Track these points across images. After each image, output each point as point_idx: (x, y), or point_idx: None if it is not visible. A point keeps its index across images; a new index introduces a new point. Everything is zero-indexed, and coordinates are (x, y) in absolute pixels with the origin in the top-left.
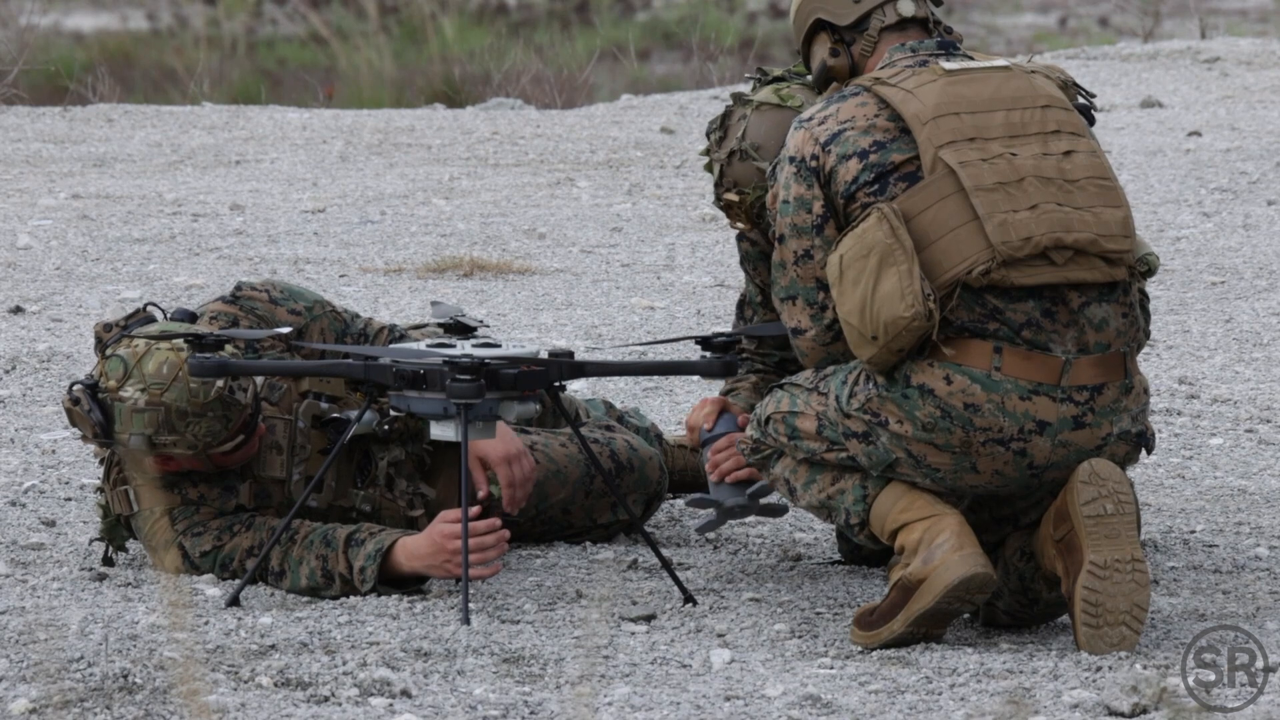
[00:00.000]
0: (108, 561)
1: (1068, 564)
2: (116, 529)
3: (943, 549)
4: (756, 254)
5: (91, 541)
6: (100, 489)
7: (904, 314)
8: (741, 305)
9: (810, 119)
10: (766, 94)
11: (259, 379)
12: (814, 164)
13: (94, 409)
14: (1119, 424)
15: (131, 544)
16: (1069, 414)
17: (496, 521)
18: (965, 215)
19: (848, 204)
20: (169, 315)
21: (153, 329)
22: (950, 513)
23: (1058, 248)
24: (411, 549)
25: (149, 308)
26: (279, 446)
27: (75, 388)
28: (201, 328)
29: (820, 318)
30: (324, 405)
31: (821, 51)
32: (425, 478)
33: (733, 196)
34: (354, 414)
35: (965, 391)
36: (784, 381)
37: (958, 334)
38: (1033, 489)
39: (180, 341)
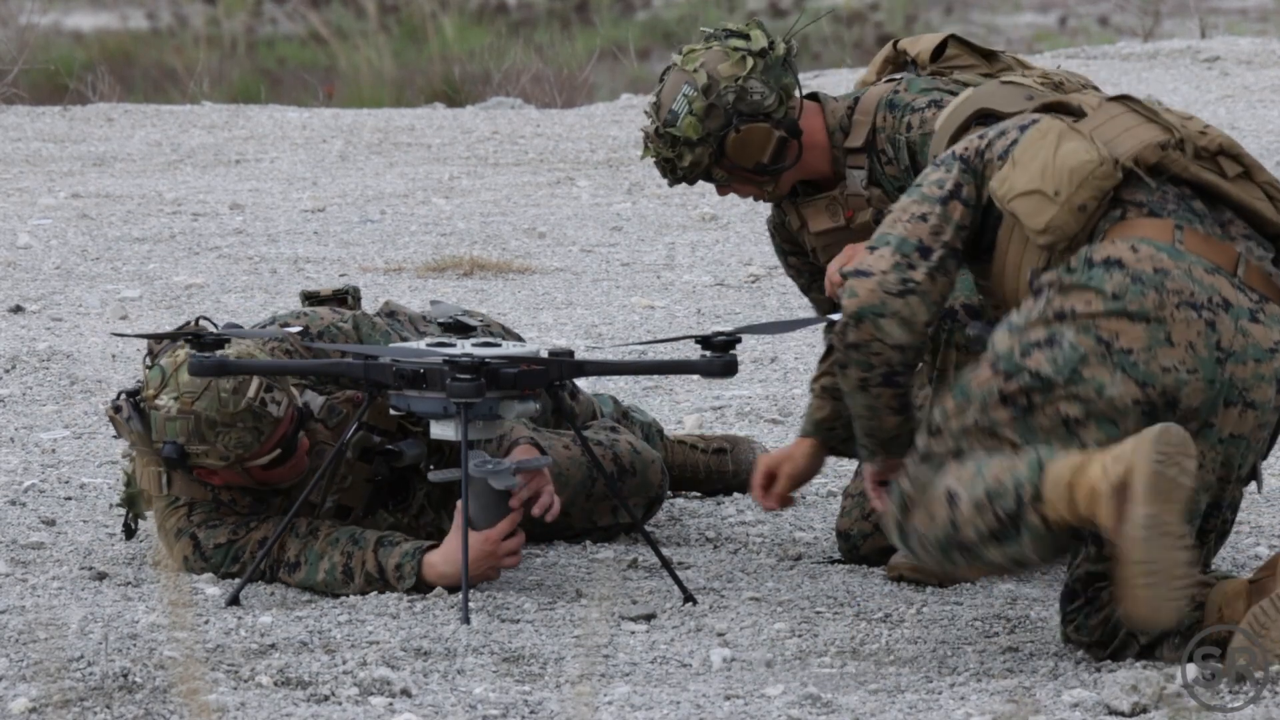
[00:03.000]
0: (128, 530)
1: (1251, 601)
2: (137, 499)
3: (1123, 444)
4: (808, 277)
5: (112, 506)
6: (128, 455)
7: (1089, 158)
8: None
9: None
10: (679, 58)
11: (318, 399)
12: (976, 161)
13: (133, 417)
14: None
15: (133, 544)
16: (1245, 304)
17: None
18: (1140, 119)
19: (988, 165)
20: (220, 328)
21: None
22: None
23: (1230, 154)
24: (448, 554)
25: (201, 320)
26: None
27: (120, 396)
28: (282, 331)
29: (901, 267)
30: (376, 439)
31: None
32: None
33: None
34: (405, 444)
35: (1153, 258)
36: (935, 392)
37: (1137, 210)
38: (1217, 390)
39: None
